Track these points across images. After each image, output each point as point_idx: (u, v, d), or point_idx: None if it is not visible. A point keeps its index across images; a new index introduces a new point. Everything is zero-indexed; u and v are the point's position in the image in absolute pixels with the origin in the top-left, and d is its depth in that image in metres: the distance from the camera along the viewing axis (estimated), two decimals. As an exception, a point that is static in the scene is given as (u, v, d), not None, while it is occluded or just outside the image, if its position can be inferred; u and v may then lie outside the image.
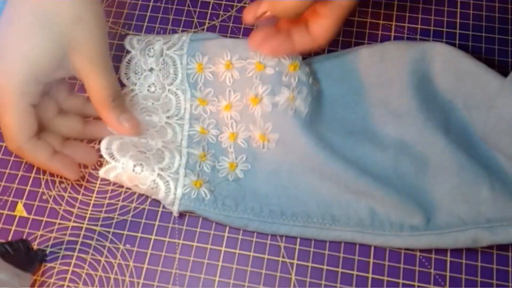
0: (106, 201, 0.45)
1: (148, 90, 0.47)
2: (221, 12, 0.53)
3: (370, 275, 0.42)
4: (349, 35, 0.50)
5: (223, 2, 0.53)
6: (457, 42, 0.50)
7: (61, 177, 0.46)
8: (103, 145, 0.43)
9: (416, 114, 0.45)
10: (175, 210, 0.43)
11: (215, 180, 0.44)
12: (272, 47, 0.43)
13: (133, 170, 0.42)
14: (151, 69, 0.48)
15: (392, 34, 0.51)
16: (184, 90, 0.47)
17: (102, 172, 0.43)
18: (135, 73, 0.48)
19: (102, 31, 0.43)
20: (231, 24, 0.52)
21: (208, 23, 0.52)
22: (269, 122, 0.44)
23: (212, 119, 0.46)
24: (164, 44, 0.48)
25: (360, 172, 0.43)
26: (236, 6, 0.53)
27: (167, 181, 0.43)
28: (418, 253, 0.42)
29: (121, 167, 0.42)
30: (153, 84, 0.48)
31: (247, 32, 0.51)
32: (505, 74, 0.45)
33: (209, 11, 0.53)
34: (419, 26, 0.51)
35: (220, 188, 0.44)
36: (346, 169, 0.43)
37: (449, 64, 0.46)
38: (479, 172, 0.42)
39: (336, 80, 0.48)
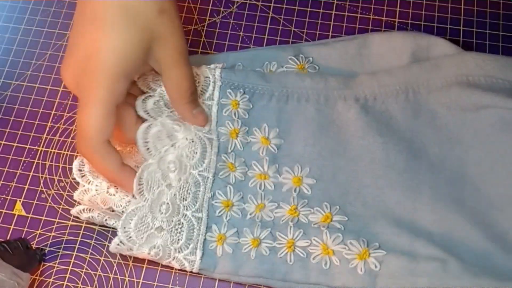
0: (106, 200, 0.45)
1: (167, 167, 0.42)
2: (221, 9, 0.52)
3: (372, 275, 0.41)
4: (352, 31, 0.50)
5: (224, -1, 0.53)
6: (460, 39, 0.49)
7: (60, 176, 0.46)
8: (75, 167, 0.42)
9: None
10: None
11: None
12: None
13: (107, 192, 0.41)
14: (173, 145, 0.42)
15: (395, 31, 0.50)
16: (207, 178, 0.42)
17: (76, 195, 0.42)
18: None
19: (181, 22, 0.41)
20: (232, 21, 0.52)
21: (209, 19, 0.52)
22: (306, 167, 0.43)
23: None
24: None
25: None
26: (237, 2, 0.52)
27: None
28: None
29: (94, 189, 0.41)
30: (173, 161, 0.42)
31: (248, 29, 0.51)
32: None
33: (210, 7, 0.52)
34: (422, 23, 0.50)
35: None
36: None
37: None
38: None
39: (335, 65, 0.47)
